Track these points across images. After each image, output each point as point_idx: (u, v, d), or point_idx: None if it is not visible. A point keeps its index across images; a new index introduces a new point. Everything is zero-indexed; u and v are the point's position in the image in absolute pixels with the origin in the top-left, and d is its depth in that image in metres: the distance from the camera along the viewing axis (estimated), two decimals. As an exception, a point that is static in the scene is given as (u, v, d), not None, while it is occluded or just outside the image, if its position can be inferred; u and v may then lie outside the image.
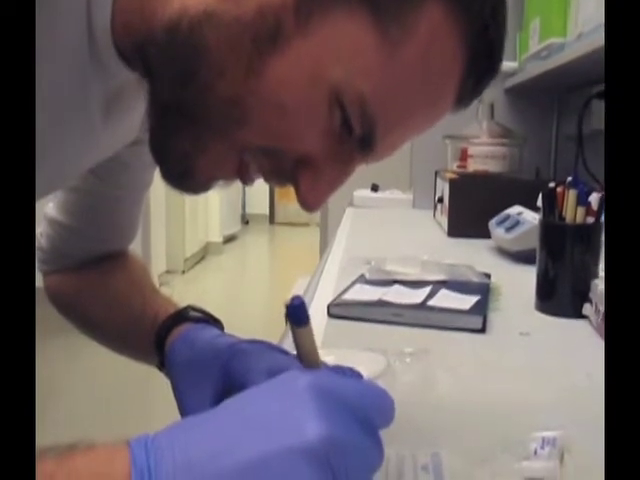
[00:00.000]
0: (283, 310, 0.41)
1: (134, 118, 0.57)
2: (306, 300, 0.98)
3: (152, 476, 0.32)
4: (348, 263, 1.17)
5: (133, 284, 0.74)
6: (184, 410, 0.54)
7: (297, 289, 2.47)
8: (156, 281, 4.26)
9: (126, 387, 2.25)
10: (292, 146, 0.44)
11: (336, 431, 0.34)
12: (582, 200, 0.86)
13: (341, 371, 0.55)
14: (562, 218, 0.88)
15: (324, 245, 2.86)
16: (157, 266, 4.40)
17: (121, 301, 0.72)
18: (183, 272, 5.09)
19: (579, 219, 0.86)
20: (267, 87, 0.42)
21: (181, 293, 4.59)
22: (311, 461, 0.33)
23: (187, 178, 0.46)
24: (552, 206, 0.89)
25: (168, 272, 4.85)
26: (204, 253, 5.79)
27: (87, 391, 2.69)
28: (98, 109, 0.52)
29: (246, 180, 0.47)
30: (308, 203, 0.46)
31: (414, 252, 1.27)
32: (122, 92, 0.53)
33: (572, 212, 0.86)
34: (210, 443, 0.34)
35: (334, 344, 0.76)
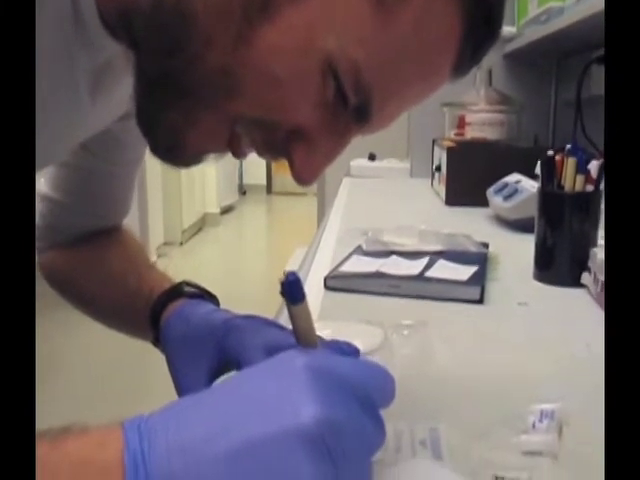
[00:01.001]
0: (281, 281, 0.40)
1: (123, 92, 0.56)
2: (302, 273, 0.99)
3: (145, 460, 0.32)
4: (345, 234, 1.16)
5: (128, 259, 0.73)
6: (180, 387, 0.54)
7: (295, 259, 2.46)
8: (154, 253, 4.25)
9: (124, 361, 2.26)
10: (285, 118, 0.43)
11: (333, 413, 0.33)
12: (581, 168, 0.84)
13: (338, 346, 0.54)
14: (561, 186, 0.87)
15: (322, 215, 2.85)
16: (154, 238, 4.39)
17: (116, 277, 0.71)
18: (181, 244, 5.08)
19: (578, 187, 0.85)
20: (258, 57, 0.40)
21: (179, 265, 4.59)
22: (307, 444, 0.32)
23: (177, 152, 0.45)
24: (551, 174, 0.87)
25: (166, 244, 4.85)
26: (201, 224, 5.78)
27: (86, 365, 2.71)
28: (85, 83, 0.51)
29: (238, 154, 0.46)
30: (302, 177, 0.45)
31: (411, 222, 1.26)
32: (110, 66, 0.51)
33: (571, 180, 0.85)
34: (204, 426, 0.33)
35: (331, 317, 0.75)
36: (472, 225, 1.30)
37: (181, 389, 0.53)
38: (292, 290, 0.38)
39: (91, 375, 2.61)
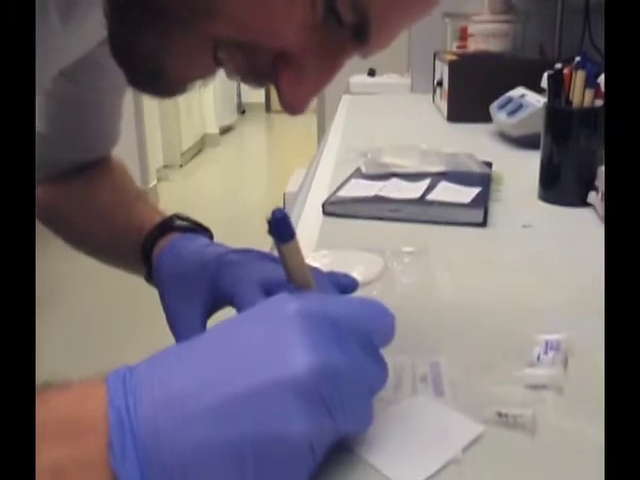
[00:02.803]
0: (268, 219, 0.38)
1: (99, 16, 0.52)
2: (301, 197, 0.96)
3: (131, 415, 0.30)
4: (344, 156, 1.13)
5: (117, 191, 0.71)
6: (173, 325, 0.52)
7: (295, 180, 2.43)
8: (153, 176, 4.21)
9: (125, 289, 2.27)
10: (269, 40, 0.39)
11: (328, 359, 0.32)
12: (590, 82, 0.80)
13: (336, 278, 0.52)
14: (569, 102, 0.82)
15: (321, 133, 2.79)
16: (154, 161, 4.33)
17: (105, 212, 0.68)
18: (181, 166, 5.03)
19: (587, 102, 0.81)
20: None
21: (180, 187, 4.56)
22: (299, 394, 0.31)
23: (158, 80, 0.41)
24: (558, 89, 0.83)
25: (165, 167, 4.80)
26: (201, 146, 5.70)
27: (86, 292, 2.72)
28: (54, 4, 0.46)
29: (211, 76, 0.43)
30: (290, 105, 0.41)
31: (413, 140, 1.22)
32: None
33: (579, 95, 0.81)
34: (192, 378, 0.31)
35: (330, 244, 0.73)
36: (475, 142, 1.26)
37: (174, 327, 0.52)
38: (280, 228, 0.35)
39: (91, 302, 2.62)
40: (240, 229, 3.56)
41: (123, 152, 0.80)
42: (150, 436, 0.30)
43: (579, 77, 0.80)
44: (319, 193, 0.91)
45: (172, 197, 4.22)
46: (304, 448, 0.31)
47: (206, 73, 0.42)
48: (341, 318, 0.34)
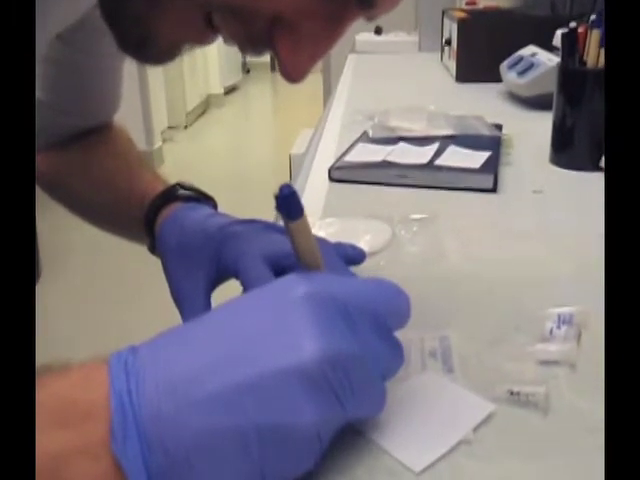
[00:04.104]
0: (276, 195, 0.36)
1: None
2: (307, 161, 0.94)
3: (133, 400, 0.29)
4: (350, 119, 1.10)
5: (118, 159, 0.69)
6: (177, 299, 0.51)
7: (301, 141, 2.40)
8: (158, 138, 4.17)
9: (128, 257, 2.26)
10: (262, 2, 0.36)
11: (336, 346, 0.30)
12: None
13: (343, 250, 0.51)
14: (583, 62, 0.80)
15: (327, 93, 2.74)
16: (158, 122, 4.29)
17: (107, 179, 0.67)
18: (185, 127, 4.98)
19: (602, 62, 0.78)
20: None
21: (185, 148, 4.52)
22: (306, 383, 0.29)
23: (147, 45, 0.39)
24: (572, 49, 0.80)
25: (170, 128, 4.75)
26: (206, 106, 5.64)
27: (90, 261, 2.70)
28: None
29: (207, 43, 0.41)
30: (289, 72, 0.39)
31: (420, 102, 1.19)
32: None
33: (594, 55, 0.78)
34: (197, 362, 0.30)
35: (336, 211, 0.71)
36: (484, 104, 1.23)
37: (179, 302, 0.51)
38: (288, 205, 0.34)
39: (95, 271, 2.61)
40: (246, 190, 3.54)
41: (127, 114, 0.78)
42: (153, 421, 0.29)
43: (594, 36, 0.77)
44: (325, 158, 0.89)
45: (177, 158, 4.20)
46: (311, 436, 0.30)
47: (198, 40, 0.40)
48: (352, 301, 0.33)
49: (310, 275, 0.34)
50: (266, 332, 0.31)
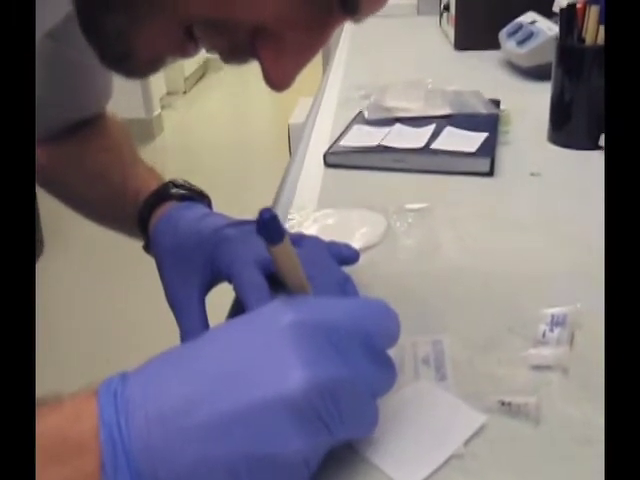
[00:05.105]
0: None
1: None
2: (304, 141, 0.93)
3: (123, 434, 0.30)
4: (347, 95, 1.08)
5: (112, 153, 0.68)
6: (172, 303, 0.51)
7: (300, 110, 2.37)
8: (157, 105, 4.13)
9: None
10: (243, 14, 0.35)
11: (323, 374, 0.31)
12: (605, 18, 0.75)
13: (337, 250, 0.51)
14: (581, 39, 0.78)
15: (326, 60, 2.70)
16: (157, 89, 4.24)
17: (101, 174, 0.66)
18: (184, 92, 4.93)
19: (600, 39, 0.76)
20: None
21: (184, 114, 4.48)
22: (294, 413, 0.30)
23: (129, 59, 0.39)
24: (571, 25, 0.79)
25: (169, 94, 4.70)
26: (204, 70, 5.56)
27: (91, 234, 2.68)
28: None
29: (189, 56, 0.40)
30: (272, 80, 0.38)
31: (418, 72, 1.18)
32: None
33: (593, 32, 0.76)
34: (185, 394, 0.31)
35: (332, 199, 0.71)
36: (483, 74, 1.21)
37: (174, 307, 0.51)
38: (269, 230, 0.33)
39: (98, 242, 2.59)
40: (247, 155, 3.52)
41: (125, 83, 0.77)
42: (143, 454, 0.30)
43: (593, 13, 0.76)
44: (321, 140, 0.88)
45: (177, 125, 4.17)
46: (299, 463, 0.30)
47: (180, 52, 0.39)
48: (340, 324, 0.33)
49: (296, 301, 0.34)
50: (254, 363, 0.31)
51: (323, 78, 1.36)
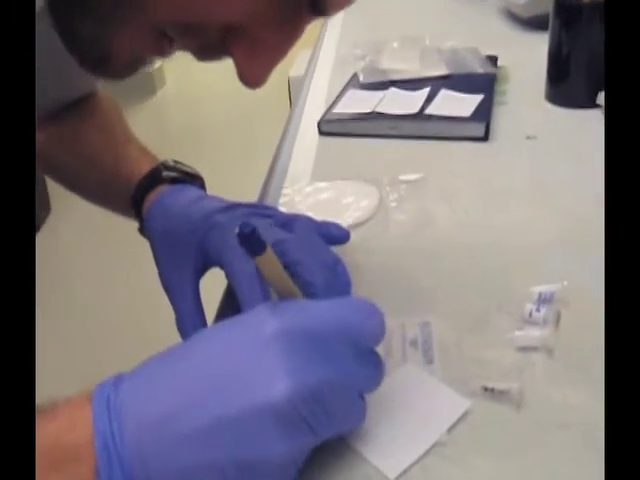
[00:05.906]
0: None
1: None
2: (299, 107, 0.92)
3: (116, 441, 0.31)
4: (342, 58, 1.07)
5: (105, 133, 0.68)
6: (166, 287, 0.52)
7: (300, 62, 2.33)
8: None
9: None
10: (213, 15, 0.36)
11: (306, 380, 0.32)
12: (601, -28, 0.73)
13: (327, 230, 0.52)
14: (578, -6, 0.76)
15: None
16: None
17: (94, 154, 0.67)
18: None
19: (597, -6, 0.75)
20: None
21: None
22: (279, 420, 0.31)
23: (107, 63, 0.39)
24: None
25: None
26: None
27: (88, 211, 2.65)
28: None
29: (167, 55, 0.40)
30: (246, 78, 0.38)
31: (417, 23, 1.16)
32: None
33: (589, -13, 0.74)
34: (175, 401, 0.32)
35: (326, 169, 0.71)
36: (481, 26, 1.18)
37: (169, 291, 0.52)
38: (250, 243, 0.34)
39: (92, 220, 2.57)
40: (246, 106, 3.48)
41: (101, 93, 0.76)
42: (135, 460, 0.31)
43: (589, -33, 0.74)
44: (315, 104, 0.88)
45: (179, 77, 4.11)
46: (286, 464, 0.32)
47: (157, 53, 0.40)
48: (325, 327, 0.34)
49: (281, 307, 0.35)
50: (241, 372, 0.32)
51: (321, 30, 1.34)
